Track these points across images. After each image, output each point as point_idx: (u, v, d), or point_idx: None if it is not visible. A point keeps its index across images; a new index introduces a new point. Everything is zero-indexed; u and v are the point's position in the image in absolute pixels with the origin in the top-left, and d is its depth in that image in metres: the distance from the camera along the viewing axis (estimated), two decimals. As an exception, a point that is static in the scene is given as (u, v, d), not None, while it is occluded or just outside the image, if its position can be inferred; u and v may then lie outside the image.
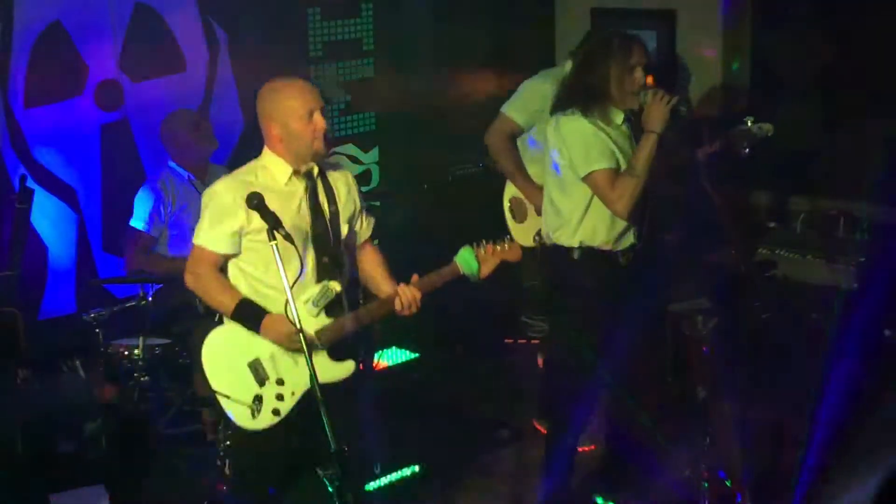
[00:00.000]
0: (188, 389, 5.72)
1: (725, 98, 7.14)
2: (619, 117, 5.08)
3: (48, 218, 6.43)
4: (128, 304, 5.97)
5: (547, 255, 5.34)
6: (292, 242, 4.25)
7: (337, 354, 4.45)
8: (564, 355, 5.36)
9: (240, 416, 4.38)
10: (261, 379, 4.38)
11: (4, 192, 6.14)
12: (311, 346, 4.24)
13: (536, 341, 7.21)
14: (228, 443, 5.04)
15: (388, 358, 7.11)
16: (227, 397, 4.37)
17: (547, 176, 5.28)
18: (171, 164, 6.17)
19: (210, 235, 4.38)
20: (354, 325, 4.47)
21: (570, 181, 5.09)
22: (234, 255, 4.41)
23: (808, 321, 6.03)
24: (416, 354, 7.19)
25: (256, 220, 4.28)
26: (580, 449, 5.69)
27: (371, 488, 5.57)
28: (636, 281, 5.18)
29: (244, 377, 4.38)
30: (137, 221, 6.07)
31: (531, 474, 5.77)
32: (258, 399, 4.37)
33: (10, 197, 6.07)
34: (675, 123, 5.04)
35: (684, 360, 6.18)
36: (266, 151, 4.46)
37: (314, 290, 4.39)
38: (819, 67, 6.69)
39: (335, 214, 4.49)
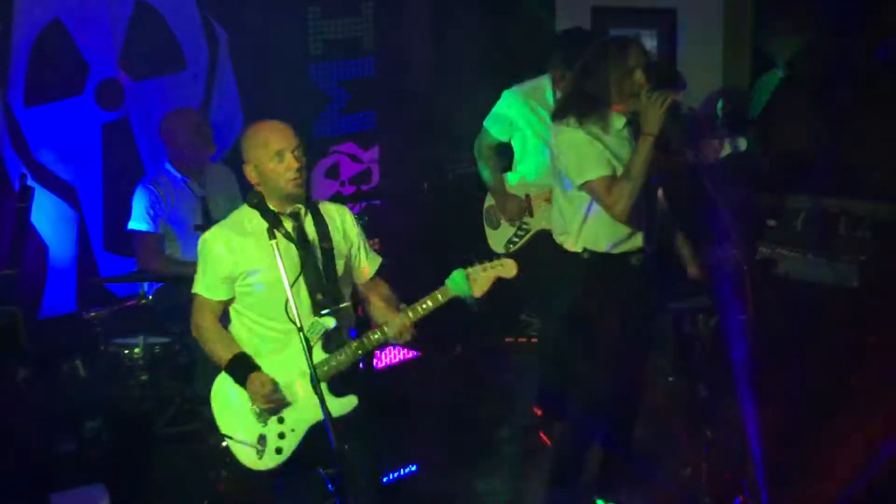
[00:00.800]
0: (188, 388, 5.72)
1: (726, 96, 7.13)
2: (619, 122, 5.07)
3: (49, 217, 6.43)
4: (128, 303, 5.98)
5: (556, 256, 5.34)
6: (292, 241, 4.28)
7: (338, 390, 4.47)
8: (568, 356, 5.36)
9: (247, 457, 4.45)
10: (263, 419, 4.44)
11: (5, 191, 6.14)
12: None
13: (536, 340, 7.23)
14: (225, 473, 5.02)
15: (389, 357, 7.11)
16: (233, 439, 4.43)
17: (554, 180, 5.31)
18: (167, 165, 6.17)
19: (205, 283, 4.49)
20: (352, 358, 4.48)
21: (570, 187, 5.12)
22: (230, 301, 4.51)
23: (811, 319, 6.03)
24: (416, 353, 7.19)
25: (244, 264, 4.40)
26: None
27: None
28: (649, 282, 5.19)
29: (248, 418, 4.45)
30: (138, 223, 6.06)
31: (530, 476, 5.78)
32: (262, 439, 4.42)
33: (10, 196, 6.07)
34: (678, 122, 5.03)
35: (685, 358, 6.17)
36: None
37: (305, 325, 4.38)
38: (819, 66, 6.69)
39: (328, 251, 4.51)
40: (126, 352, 5.74)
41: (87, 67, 6.50)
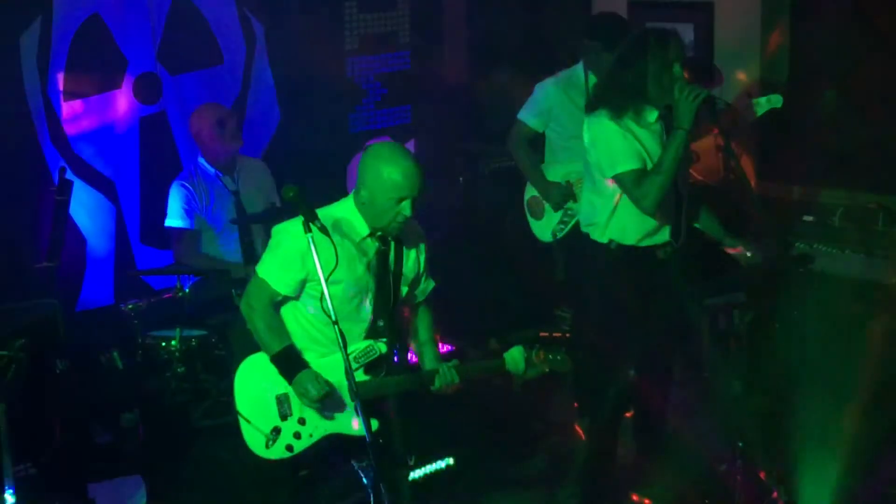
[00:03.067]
0: (224, 380, 5.75)
1: (764, 91, 7.09)
2: (652, 115, 5.04)
3: (87, 210, 6.49)
4: (165, 296, 6.02)
5: (584, 246, 5.33)
6: (327, 234, 4.27)
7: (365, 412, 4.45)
8: (595, 349, 5.36)
9: (254, 441, 4.45)
10: (283, 413, 4.44)
11: (44, 184, 6.20)
12: (343, 397, 4.38)
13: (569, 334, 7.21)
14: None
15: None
16: (248, 421, 4.43)
17: (585, 171, 5.30)
18: (200, 159, 6.21)
19: (277, 274, 4.39)
20: (391, 390, 4.49)
21: (599, 179, 5.10)
22: (293, 299, 4.46)
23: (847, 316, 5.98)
24: (452, 347, 7.19)
25: (324, 270, 4.27)
26: None
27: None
28: (675, 275, 5.18)
29: (268, 407, 4.45)
30: (174, 220, 6.11)
31: (565, 468, 5.78)
32: (276, 431, 4.43)
33: (49, 189, 6.12)
34: (714, 117, 5.00)
35: (720, 354, 6.14)
36: (353, 200, 4.43)
37: (360, 346, 4.43)
38: (858, 60, 6.62)
39: (398, 277, 4.51)
40: (163, 344, 5.78)
41: (125, 62, 6.55)
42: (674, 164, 4.89)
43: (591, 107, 5.12)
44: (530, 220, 6.62)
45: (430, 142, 7.96)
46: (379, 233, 4.42)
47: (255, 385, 4.47)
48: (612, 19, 6.43)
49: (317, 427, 4.44)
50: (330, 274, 4.25)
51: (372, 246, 4.42)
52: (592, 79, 6.29)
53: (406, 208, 4.30)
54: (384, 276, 4.44)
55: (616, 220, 5.12)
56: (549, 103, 6.36)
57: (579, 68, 6.35)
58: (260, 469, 4.51)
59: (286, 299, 4.47)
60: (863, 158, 6.38)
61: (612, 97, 5.01)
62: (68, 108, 6.37)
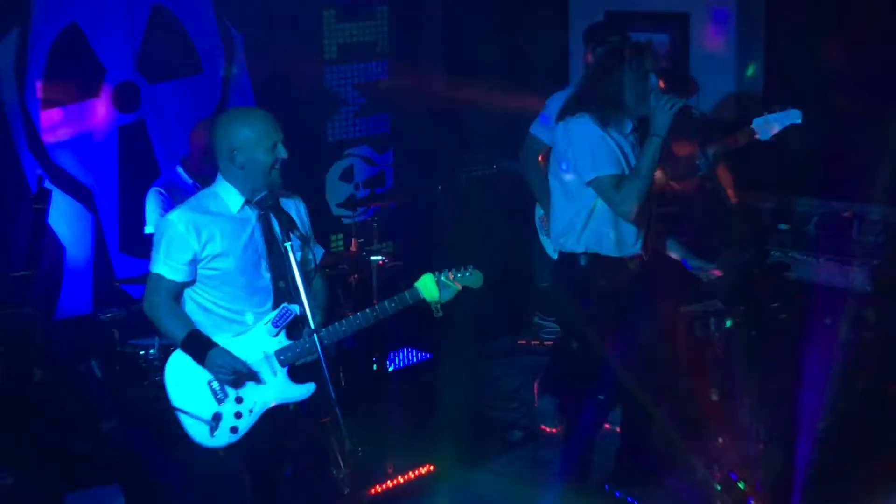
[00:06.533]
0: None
1: (739, 100, 7.15)
2: (627, 126, 5.12)
3: (65, 218, 6.47)
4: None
5: (559, 257, 5.38)
6: (307, 243, 4.32)
7: (298, 376, 4.49)
8: (576, 359, 5.39)
9: (198, 433, 4.45)
10: (220, 397, 4.44)
11: (22, 193, 6.19)
12: (271, 366, 4.42)
13: (550, 343, 7.24)
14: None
15: (402, 359, 7.15)
16: (186, 413, 4.43)
17: (552, 179, 5.32)
18: (179, 168, 6.16)
19: (167, 264, 4.43)
20: (315, 348, 4.39)
21: (574, 185, 5.14)
22: (190, 284, 4.48)
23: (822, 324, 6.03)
24: (430, 355, 7.22)
25: (209, 248, 4.39)
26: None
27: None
28: (647, 285, 5.22)
29: (204, 394, 4.45)
30: (152, 227, 6.10)
31: (544, 475, 5.80)
32: (217, 417, 4.43)
33: (27, 198, 6.11)
34: (689, 125, 5.07)
35: (697, 361, 6.17)
36: (220, 180, 4.47)
37: (272, 313, 4.45)
38: (833, 70, 6.69)
39: (286, 238, 4.46)
40: (141, 353, 5.77)
41: (103, 70, 6.54)
42: (651, 170, 4.96)
43: (570, 112, 5.16)
44: (542, 238, 6.59)
45: (409, 150, 7.98)
46: (256, 197, 4.41)
47: (186, 376, 4.47)
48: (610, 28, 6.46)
49: (255, 402, 4.45)
50: (217, 253, 4.37)
51: (251, 214, 4.43)
52: None
53: (282, 150, 4.39)
54: (272, 240, 4.46)
55: (591, 228, 5.16)
56: None
57: None
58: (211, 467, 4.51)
59: (184, 287, 4.48)
60: (837, 167, 6.44)
61: (593, 105, 5.07)
62: (46, 116, 6.35)
